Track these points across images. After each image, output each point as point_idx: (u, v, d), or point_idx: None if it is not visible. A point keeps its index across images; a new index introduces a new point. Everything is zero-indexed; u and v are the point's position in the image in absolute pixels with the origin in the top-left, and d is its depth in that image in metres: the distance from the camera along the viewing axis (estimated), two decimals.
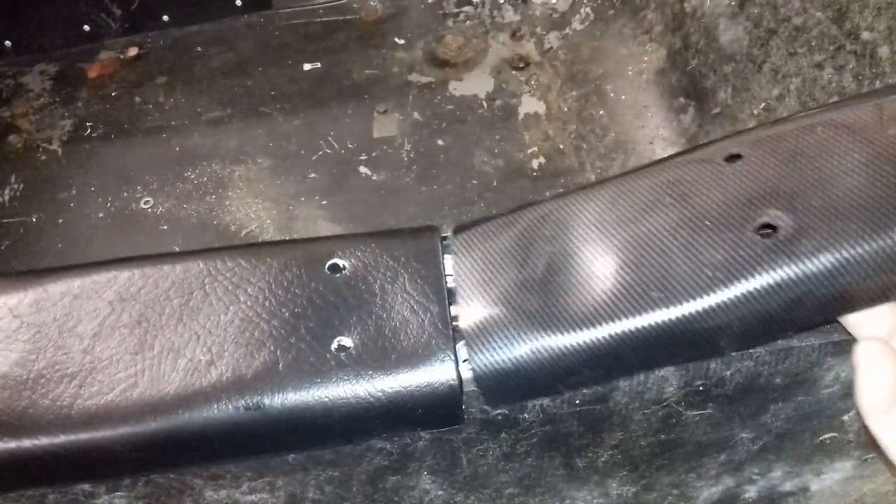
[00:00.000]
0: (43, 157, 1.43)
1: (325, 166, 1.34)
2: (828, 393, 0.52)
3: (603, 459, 0.56)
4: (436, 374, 0.44)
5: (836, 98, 0.92)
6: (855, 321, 0.43)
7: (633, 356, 0.43)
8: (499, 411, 0.48)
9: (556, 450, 0.54)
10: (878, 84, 0.86)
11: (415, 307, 0.47)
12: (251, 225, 1.29)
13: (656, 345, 0.43)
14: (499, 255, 0.48)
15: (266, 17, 1.61)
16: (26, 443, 0.44)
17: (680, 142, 1.27)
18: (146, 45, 1.59)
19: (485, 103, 1.41)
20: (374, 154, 1.35)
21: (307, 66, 1.51)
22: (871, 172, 0.41)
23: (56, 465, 0.45)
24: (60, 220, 1.34)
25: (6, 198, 1.38)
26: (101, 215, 1.33)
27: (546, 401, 0.48)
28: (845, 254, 0.39)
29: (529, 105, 1.40)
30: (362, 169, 1.33)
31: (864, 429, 0.44)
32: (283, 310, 0.47)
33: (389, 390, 0.44)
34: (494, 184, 1.29)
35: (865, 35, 0.87)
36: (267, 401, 0.44)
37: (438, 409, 0.46)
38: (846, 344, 0.46)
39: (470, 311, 0.46)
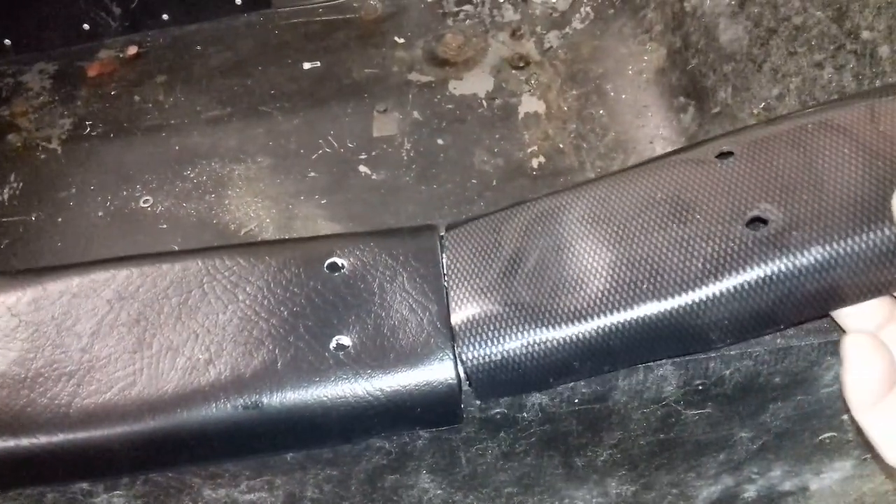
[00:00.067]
0: (42, 156, 1.43)
1: (325, 165, 1.34)
2: (827, 392, 0.52)
3: (602, 458, 0.56)
4: (434, 372, 0.44)
5: (835, 98, 0.92)
6: (844, 313, 0.43)
7: (623, 349, 0.43)
8: (497, 410, 0.48)
9: (555, 449, 0.54)
10: (878, 83, 0.86)
11: (414, 306, 0.47)
12: (250, 224, 1.29)
13: (647, 338, 0.43)
14: (489, 250, 0.47)
15: (266, 15, 1.60)
16: (24, 441, 0.44)
17: (680, 141, 1.27)
18: (146, 43, 1.59)
19: (485, 102, 1.41)
20: (373, 153, 1.35)
21: (307, 65, 1.51)
22: (862, 168, 0.41)
23: (54, 463, 0.45)
24: (60, 219, 1.33)
25: (5, 196, 1.38)
26: (100, 214, 1.33)
27: (545, 400, 0.48)
28: (836, 247, 0.39)
29: (529, 104, 1.39)
30: (362, 168, 1.33)
31: (854, 422, 0.44)
32: (281, 308, 0.47)
33: (388, 389, 0.44)
34: (494, 183, 1.29)
35: (865, 34, 0.87)
36: (265, 399, 0.44)
37: (437, 408, 0.45)
38: None
39: (459, 306, 0.46)
